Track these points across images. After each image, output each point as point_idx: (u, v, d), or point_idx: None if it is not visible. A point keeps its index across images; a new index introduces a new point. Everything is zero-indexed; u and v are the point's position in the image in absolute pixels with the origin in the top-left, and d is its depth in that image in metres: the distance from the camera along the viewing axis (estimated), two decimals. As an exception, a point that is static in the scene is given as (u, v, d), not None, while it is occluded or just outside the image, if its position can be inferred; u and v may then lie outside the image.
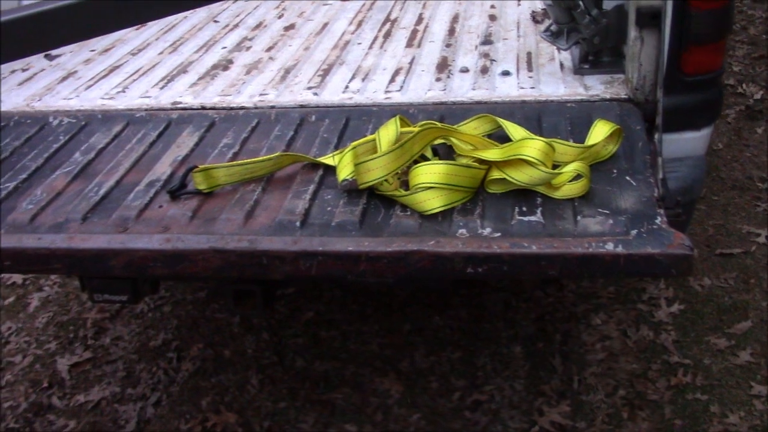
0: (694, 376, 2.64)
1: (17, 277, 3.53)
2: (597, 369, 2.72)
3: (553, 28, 2.23)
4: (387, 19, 2.88)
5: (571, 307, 3.00)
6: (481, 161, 1.75)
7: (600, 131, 1.82)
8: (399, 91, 2.25)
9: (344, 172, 1.76)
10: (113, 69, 2.59)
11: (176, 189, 1.81)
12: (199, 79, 2.46)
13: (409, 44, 2.61)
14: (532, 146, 1.69)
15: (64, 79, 2.54)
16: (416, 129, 1.81)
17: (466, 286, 3.08)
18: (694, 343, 2.79)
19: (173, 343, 3.07)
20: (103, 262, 1.65)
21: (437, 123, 1.91)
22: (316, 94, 2.27)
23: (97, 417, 2.75)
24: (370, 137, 1.87)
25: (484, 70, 2.34)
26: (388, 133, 1.81)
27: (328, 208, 1.72)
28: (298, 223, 1.67)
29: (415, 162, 1.77)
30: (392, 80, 2.32)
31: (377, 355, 2.91)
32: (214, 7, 3.10)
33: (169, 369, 2.94)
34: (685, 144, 2.04)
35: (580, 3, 2.11)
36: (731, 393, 2.58)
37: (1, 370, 3.00)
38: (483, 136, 1.90)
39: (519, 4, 2.90)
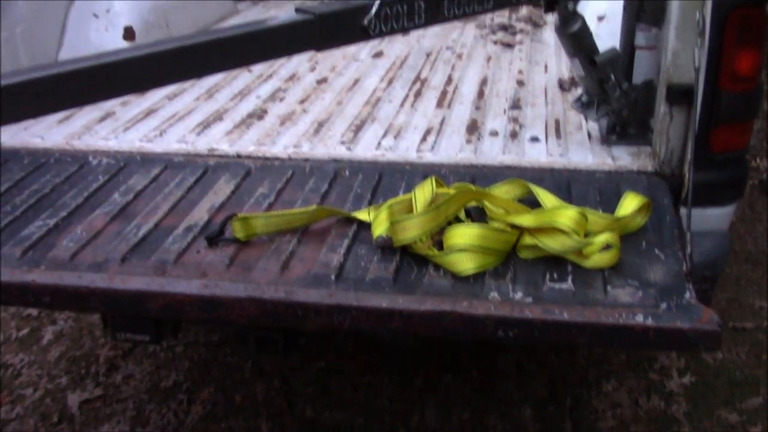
0: (705, 450, 2.65)
1: (32, 309, 3.55)
2: (608, 436, 2.72)
3: (584, 98, 2.29)
4: (417, 78, 2.96)
5: (583, 373, 3.01)
6: (514, 226, 1.80)
7: (630, 203, 1.87)
8: (431, 150, 2.30)
9: (379, 229, 1.80)
10: (150, 112, 2.66)
11: (215, 236, 1.85)
12: (235, 127, 2.52)
13: (439, 104, 2.68)
14: (566, 215, 1.73)
15: (103, 119, 2.60)
16: (451, 191, 1.86)
17: (479, 344, 3.10)
18: (705, 416, 2.80)
19: (184, 384, 3.07)
20: (142, 303, 1.69)
21: (471, 186, 1.96)
22: (349, 149, 2.33)
23: (106, 455, 2.75)
24: (405, 196, 1.91)
25: (514, 135, 2.40)
26: (424, 193, 1.86)
27: (362, 263, 1.76)
28: (333, 277, 1.71)
29: (450, 223, 1.81)
30: (424, 139, 2.38)
31: (387, 409, 2.91)
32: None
33: (179, 411, 2.94)
34: (710, 219, 2.08)
35: (612, 76, 2.18)
36: (742, 468, 2.58)
37: (12, 403, 3.00)
38: (514, 200, 1.95)
39: (546, 71, 2.98)
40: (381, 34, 1.72)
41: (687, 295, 1.61)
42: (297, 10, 1.64)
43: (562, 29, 2.13)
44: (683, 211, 1.99)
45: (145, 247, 1.84)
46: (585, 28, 2.14)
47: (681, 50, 2.01)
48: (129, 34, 3.14)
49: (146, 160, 2.28)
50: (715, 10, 1.89)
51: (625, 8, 2.23)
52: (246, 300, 1.65)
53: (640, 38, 2.21)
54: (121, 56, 1.46)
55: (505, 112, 2.59)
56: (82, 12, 3.16)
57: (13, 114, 1.35)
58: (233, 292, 1.66)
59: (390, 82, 2.94)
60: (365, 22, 1.67)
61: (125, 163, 2.26)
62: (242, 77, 3.01)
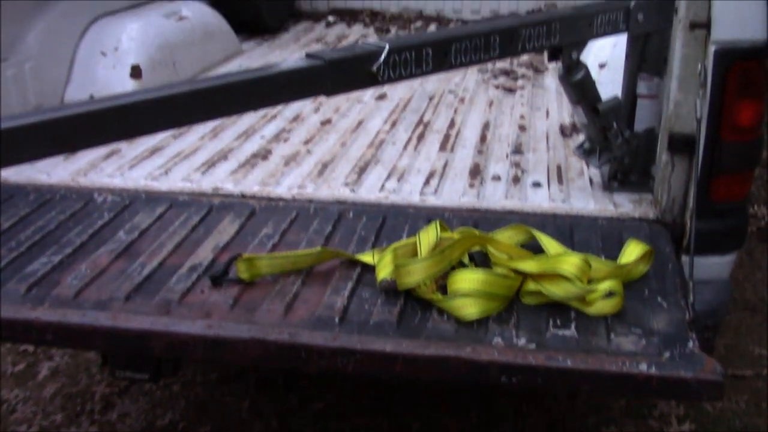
0: (706, 499, 2.62)
1: (29, 344, 3.53)
2: (607, 483, 2.70)
3: (586, 145, 2.32)
4: (420, 122, 2.99)
5: (582, 418, 2.99)
6: (517, 272, 1.81)
7: (633, 251, 1.88)
8: (434, 194, 2.32)
9: (383, 272, 1.81)
10: (156, 150, 2.68)
11: (219, 276, 1.85)
12: (240, 166, 2.54)
13: (442, 148, 2.71)
14: (569, 261, 1.75)
15: (108, 156, 2.62)
16: (456, 236, 1.88)
17: (479, 388, 3.09)
18: (705, 464, 2.78)
19: (180, 424, 3.05)
20: (145, 343, 1.69)
21: (475, 231, 1.97)
22: (353, 190, 2.35)
23: (100, 495, 2.71)
24: (410, 240, 1.93)
25: (516, 180, 2.42)
26: (428, 237, 1.87)
27: (366, 306, 1.76)
28: (336, 319, 1.71)
29: (453, 268, 1.82)
30: (427, 183, 2.40)
31: (385, 452, 2.89)
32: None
33: (175, 450, 2.92)
34: (711, 268, 2.10)
35: (614, 124, 2.21)
36: None
37: (6, 439, 2.97)
38: (517, 245, 1.96)
39: (548, 117, 3.02)
40: (389, 80, 1.74)
41: (690, 344, 1.61)
42: (307, 55, 1.67)
43: (565, 77, 2.16)
44: (685, 259, 2.01)
45: (150, 286, 1.85)
46: (588, 76, 2.17)
47: (683, 100, 2.04)
48: (136, 72, 3.17)
49: (151, 198, 2.30)
50: (716, 63, 1.93)
51: (627, 57, 2.27)
52: (250, 341, 1.65)
53: (642, 87, 2.25)
54: (134, 99, 1.48)
55: (507, 156, 2.61)
56: (91, 49, 3.20)
57: (19, 155, 1.36)
58: (237, 333, 1.66)
59: (393, 124, 2.97)
60: (374, 68, 1.70)
61: (130, 201, 2.27)
62: (247, 117, 3.04)
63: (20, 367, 3.38)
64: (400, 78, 1.77)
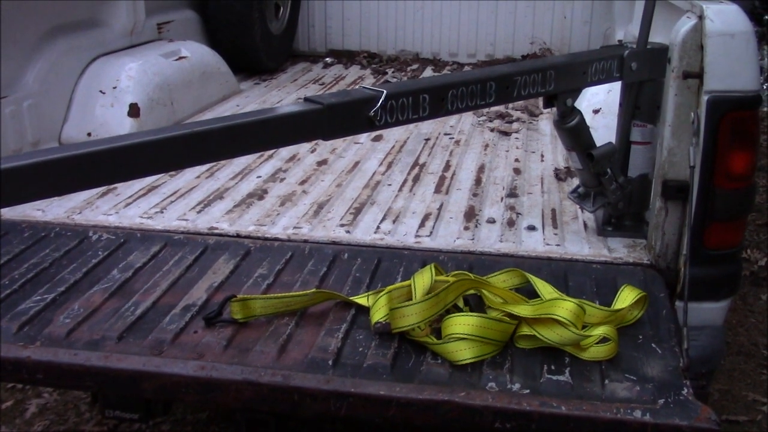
0: None
1: (18, 381, 3.49)
2: None
3: (581, 190, 2.34)
4: (416, 163, 3.01)
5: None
6: (512, 316, 1.81)
7: (627, 296, 1.89)
8: (429, 236, 2.33)
9: (378, 315, 1.81)
10: (151, 189, 2.69)
11: (213, 316, 1.85)
12: (235, 206, 2.55)
13: (437, 190, 2.72)
14: (564, 306, 1.75)
15: (104, 194, 2.63)
16: (451, 279, 1.88)
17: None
18: None
19: (169, 464, 3.01)
20: (137, 383, 1.67)
21: (470, 274, 1.97)
22: (348, 231, 2.36)
23: None
24: (405, 283, 1.93)
25: (511, 223, 2.43)
26: (423, 280, 1.88)
27: (360, 349, 1.76)
28: (330, 362, 1.70)
29: (448, 311, 1.82)
30: (422, 225, 2.41)
31: (376, 496, 2.84)
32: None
33: (164, 492, 2.88)
34: (705, 314, 2.10)
35: (608, 170, 2.23)
36: None
37: (-8, 478, 2.92)
38: (512, 289, 1.96)
39: (542, 160, 3.04)
40: (386, 125, 1.76)
41: (684, 391, 1.61)
42: (306, 99, 1.69)
43: (560, 123, 2.19)
44: (679, 304, 2.01)
45: (143, 325, 1.84)
46: (582, 123, 2.20)
47: (676, 147, 2.06)
48: (134, 111, 3.19)
49: (146, 236, 2.30)
50: (709, 112, 1.96)
51: (621, 104, 2.30)
52: (242, 383, 1.64)
53: (636, 134, 2.27)
54: (131, 141, 1.48)
55: (502, 200, 2.63)
56: (89, 88, 3.23)
57: (17, 196, 1.36)
58: (229, 375, 1.66)
59: (389, 165, 2.99)
60: (371, 113, 1.72)
61: (125, 239, 2.27)
62: (244, 157, 3.05)
63: (8, 404, 3.34)
64: (397, 123, 1.79)
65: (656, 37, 2.22)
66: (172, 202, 2.58)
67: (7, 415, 3.29)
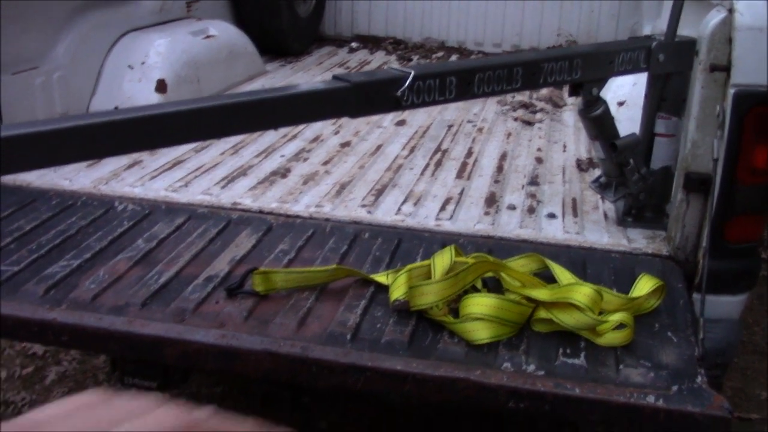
0: None
1: (38, 348, 3.56)
2: None
3: (603, 180, 2.35)
4: (438, 149, 3.03)
5: (586, 452, 2.99)
6: (530, 299, 1.82)
7: (645, 285, 1.90)
8: (449, 219, 2.35)
9: (397, 293, 1.83)
10: (177, 163, 2.73)
11: (234, 287, 1.88)
12: (258, 183, 2.58)
13: (459, 175, 2.74)
14: (582, 292, 1.76)
15: (130, 166, 2.67)
16: (470, 260, 1.90)
17: (484, 418, 3.08)
18: (707, 507, 2.76)
19: (184, 436, 3.05)
20: (159, 349, 1.71)
21: (489, 257, 1.99)
22: (369, 212, 2.38)
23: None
24: (425, 262, 1.95)
25: (531, 210, 2.44)
26: (443, 260, 1.90)
27: (378, 325, 1.78)
28: (348, 336, 1.73)
29: (466, 292, 1.84)
30: (443, 208, 2.43)
31: (386, 476, 2.88)
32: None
33: (177, 462, 2.92)
34: (722, 307, 2.10)
35: (631, 161, 2.23)
36: None
37: (10, 441, 2.98)
38: (530, 274, 1.98)
39: (565, 150, 3.05)
40: (412, 106, 1.78)
41: (699, 379, 1.62)
42: (334, 77, 1.71)
43: (585, 112, 2.20)
44: (696, 296, 2.02)
45: (166, 294, 1.87)
46: (607, 112, 2.20)
47: (700, 140, 2.07)
48: (161, 86, 3.23)
49: (171, 209, 2.33)
50: (734, 105, 1.96)
51: (646, 96, 2.30)
52: (261, 353, 1.67)
53: (660, 126, 2.27)
54: (163, 110, 1.51)
55: (523, 187, 2.64)
56: (118, 62, 3.27)
57: (46, 160, 1.40)
58: (249, 345, 1.69)
59: (412, 150, 3.01)
60: (398, 93, 1.74)
61: (150, 211, 2.31)
62: (268, 136, 3.09)
63: (28, 371, 3.41)
64: (423, 104, 1.80)
65: (684, 30, 2.22)
66: (196, 176, 2.62)
67: (28, 381, 3.35)
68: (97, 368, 3.44)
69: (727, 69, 1.99)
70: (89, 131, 1.40)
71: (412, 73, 1.75)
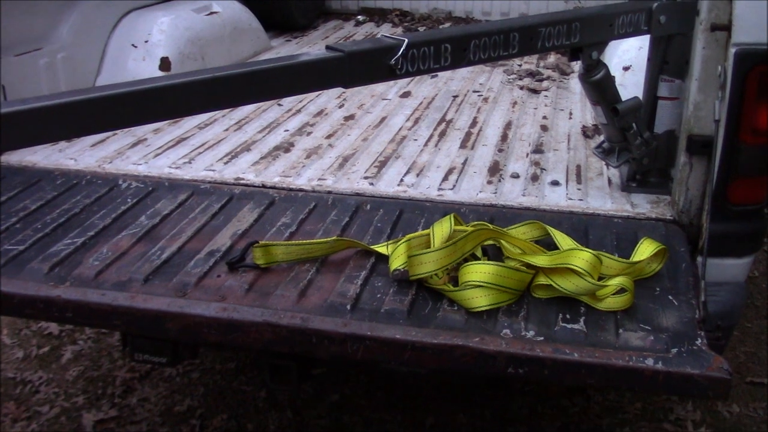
0: (718, 505, 2.61)
1: (53, 328, 3.61)
2: (619, 485, 2.70)
3: (605, 145, 2.33)
4: (443, 119, 3.02)
5: (596, 419, 2.99)
6: (529, 266, 1.82)
7: (646, 249, 1.89)
8: (452, 189, 2.34)
9: (396, 262, 1.84)
10: (181, 140, 2.74)
11: (235, 261, 1.89)
12: (262, 158, 2.58)
13: (462, 145, 2.73)
14: (581, 257, 1.76)
15: (135, 145, 2.68)
16: (469, 229, 1.90)
17: (493, 386, 3.10)
18: (719, 470, 2.77)
19: (198, 410, 3.10)
20: (161, 323, 1.73)
21: (489, 225, 1.99)
22: (372, 184, 2.38)
23: (117, 476, 2.77)
24: (424, 231, 1.95)
25: (534, 178, 2.43)
26: (442, 229, 1.90)
27: (378, 295, 1.79)
28: (348, 307, 1.74)
29: (466, 260, 1.84)
30: (445, 178, 2.42)
31: (398, 446, 2.91)
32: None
33: (192, 436, 2.97)
34: (726, 270, 2.09)
35: (634, 125, 2.21)
36: None
37: (28, 419, 3.04)
38: (531, 241, 1.98)
39: (571, 118, 3.02)
40: (407, 74, 1.77)
41: (698, 341, 1.62)
42: (327, 47, 1.70)
43: (585, 77, 2.17)
44: (700, 260, 2.01)
45: (168, 269, 1.89)
46: (608, 76, 2.18)
47: (702, 102, 2.04)
48: (165, 64, 3.23)
49: (174, 185, 2.35)
50: (736, 65, 1.93)
51: (649, 59, 2.27)
52: (262, 325, 1.68)
53: (663, 89, 2.25)
54: (158, 83, 1.52)
55: (527, 155, 2.63)
56: (122, 41, 3.27)
57: (48, 135, 1.42)
58: (250, 317, 1.70)
59: (416, 121, 2.99)
60: (392, 61, 1.73)
61: (153, 188, 2.33)
62: (272, 111, 3.09)
63: (44, 350, 3.46)
64: (418, 72, 1.79)
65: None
66: (200, 153, 2.63)
67: (44, 360, 3.41)
68: (112, 346, 3.48)
69: (728, 28, 1.96)
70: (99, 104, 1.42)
71: (406, 41, 1.74)
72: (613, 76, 2.22)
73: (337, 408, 3.09)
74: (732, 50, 1.94)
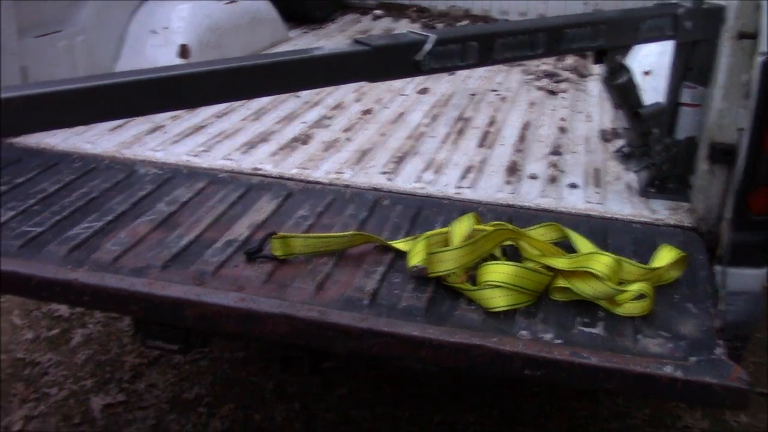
0: None
1: (63, 310, 3.62)
2: (624, 490, 2.69)
3: (625, 149, 2.32)
4: (460, 117, 3.01)
5: (605, 423, 2.99)
6: (548, 267, 1.82)
7: (666, 255, 1.88)
8: (470, 188, 2.34)
9: (415, 259, 1.83)
10: (199, 128, 2.73)
11: (253, 251, 1.89)
12: (279, 149, 2.58)
13: (480, 144, 2.72)
14: (601, 261, 1.75)
15: (153, 131, 2.68)
16: (489, 228, 1.89)
17: (503, 386, 3.09)
18: (724, 479, 2.76)
19: (205, 399, 3.10)
20: (179, 311, 1.73)
21: (508, 225, 1.98)
22: (389, 179, 2.37)
23: (123, 461, 2.78)
24: (443, 229, 1.95)
25: (553, 180, 2.42)
26: (461, 228, 1.89)
27: (396, 291, 1.79)
28: (366, 302, 1.74)
29: (485, 259, 1.84)
30: (464, 177, 2.42)
31: (404, 442, 2.91)
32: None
33: (198, 424, 2.97)
34: (744, 279, 2.08)
35: (655, 130, 2.20)
36: None
37: (36, 400, 3.05)
38: (550, 243, 1.97)
39: (589, 121, 3.01)
40: (432, 71, 1.76)
41: (717, 350, 1.61)
42: (355, 40, 1.70)
43: (608, 80, 2.17)
44: (718, 268, 2.00)
45: (186, 257, 1.89)
46: (631, 80, 2.17)
47: (726, 110, 2.03)
48: (184, 52, 3.23)
49: (192, 173, 2.35)
50: (762, 74, 1.91)
51: (672, 65, 2.26)
52: (279, 317, 1.68)
53: (686, 95, 2.23)
54: (182, 71, 1.52)
55: (545, 156, 2.62)
56: (141, 27, 3.27)
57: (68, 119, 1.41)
58: (267, 308, 1.70)
59: (434, 118, 2.99)
60: (418, 57, 1.72)
61: (171, 175, 2.32)
62: (290, 102, 3.08)
63: (54, 332, 3.47)
64: (443, 69, 1.79)
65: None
66: (218, 142, 2.63)
67: (53, 342, 3.41)
68: (122, 331, 3.49)
69: (755, 36, 1.94)
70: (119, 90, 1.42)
71: (434, 37, 1.73)
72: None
73: (345, 402, 3.09)
74: (758, 59, 1.93)
